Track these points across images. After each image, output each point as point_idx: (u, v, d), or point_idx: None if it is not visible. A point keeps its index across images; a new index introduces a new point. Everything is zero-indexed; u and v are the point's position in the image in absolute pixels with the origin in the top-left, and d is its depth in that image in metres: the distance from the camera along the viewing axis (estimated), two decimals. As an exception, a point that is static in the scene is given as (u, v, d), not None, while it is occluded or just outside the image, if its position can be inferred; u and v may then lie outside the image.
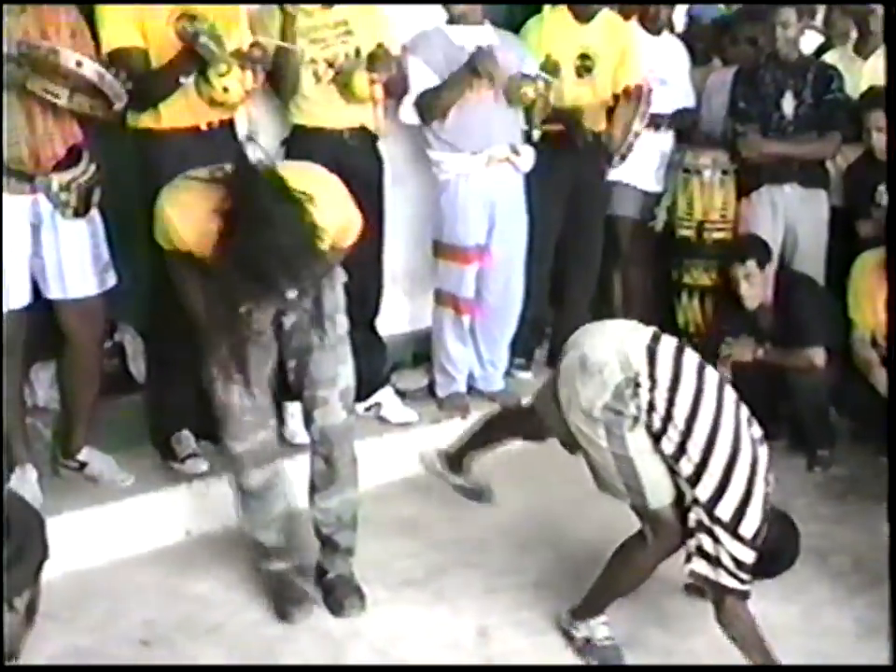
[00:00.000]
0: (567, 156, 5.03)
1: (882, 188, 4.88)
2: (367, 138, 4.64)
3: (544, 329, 5.53)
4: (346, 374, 3.61)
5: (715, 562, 3.22)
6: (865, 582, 3.84)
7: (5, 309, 3.79)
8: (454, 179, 4.77)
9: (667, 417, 3.21)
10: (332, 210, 3.32)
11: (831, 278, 5.19)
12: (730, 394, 3.35)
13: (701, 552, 3.24)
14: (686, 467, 3.23)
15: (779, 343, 4.81)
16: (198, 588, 3.86)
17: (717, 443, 3.21)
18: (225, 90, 4.01)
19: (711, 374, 3.35)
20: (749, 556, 3.21)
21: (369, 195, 4.68)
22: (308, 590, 3.77)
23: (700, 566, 3.25)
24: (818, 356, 4.73)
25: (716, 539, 3.20)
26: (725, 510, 3.19)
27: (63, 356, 4.10)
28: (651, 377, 3.22)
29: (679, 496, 3.32)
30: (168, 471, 4.28)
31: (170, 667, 3.40)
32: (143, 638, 3.56)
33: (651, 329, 3.41)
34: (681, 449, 3.22)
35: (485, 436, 3.93)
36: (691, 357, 3.35)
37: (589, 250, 5.40)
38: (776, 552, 3.34)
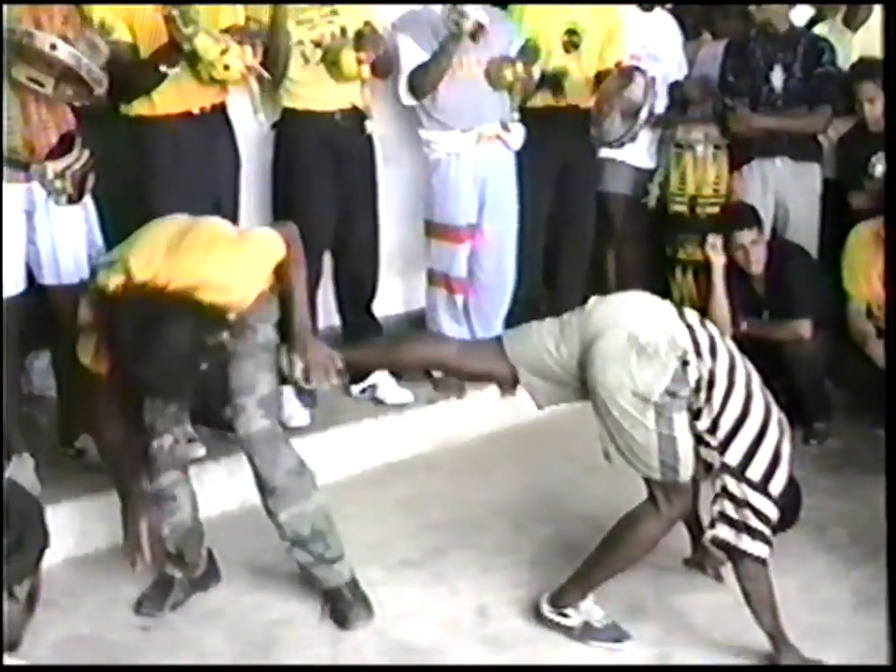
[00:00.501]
0: (555, 134, 5.02)
1: (874, 159, 4.87)
2: (357, 119, 4.64)
3: (539, 308, 5.52)
4: (266, 381, 3.43)
5: (739, 526, 3.27)
6: (863, 555, 3.86)
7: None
8: (444, 158, 4.77)
9: (709, 394, 3.23)
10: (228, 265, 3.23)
11: (823, 251, 5.19)
12: (748, 361, 3.40)
13: (724, 517, 3.29)
14: (718, 435, 3.27)
15: (773, 314, 4.84)
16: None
17: (750, 412, 3.27)
18: (226, 67, 4.00)
19: (731, 343, 3.39)
20: (774, 513, 3.28)
21: (361, 176, 4.70)
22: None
23: (723, 531, 3.29)
24: (803, 328, 4.74)
25: (739, 503, 3.25)
26: (756, 471, 3.26)
27: (59, 343, 4.10)
28: (697, 353, 3.23)
29: None
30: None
31: (170, 667, 3.41)
32: (143, 624, 3.57)
33: (668, 302, 3.44)
34: (715, 422, 3.26)
35: (413, 358, 3.73)
36: (713, 328, 3.39)
37: (580, 228, 5.40)
38: (785, 508, 3.39)
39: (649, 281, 5.59)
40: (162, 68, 3.99)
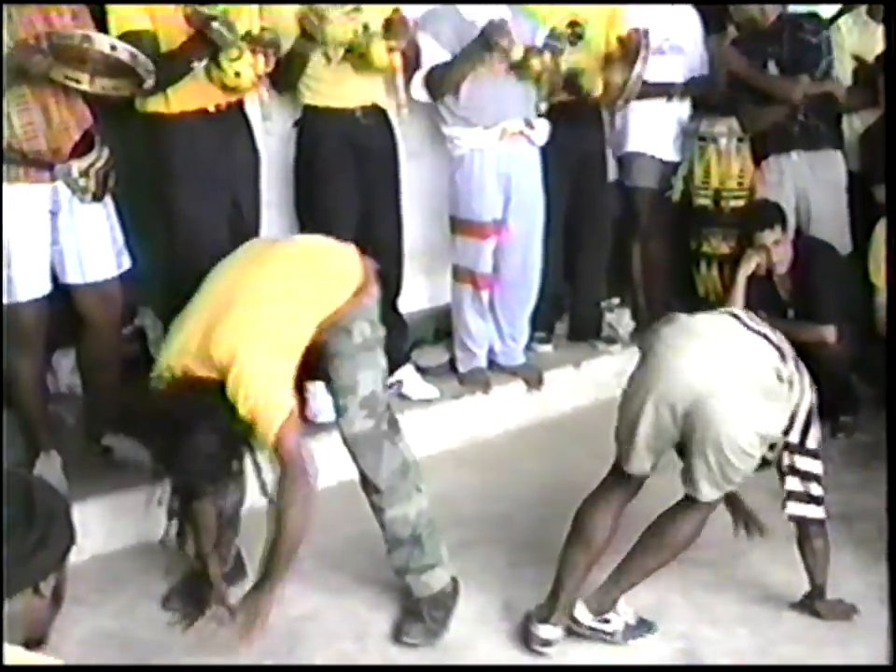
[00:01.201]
0: (569, 129, 5.00)
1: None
2: (379, 116, 4.64)
3: (563, 303, 5.52)
4: (368, 381, 3.37)
5: (805, 498, 3.39)
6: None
7: (25, 298, 3.82)
8: (468, 154, 4.76)
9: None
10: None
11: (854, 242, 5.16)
12: None
13: (793, 495, 3.39)
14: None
15: (798, 312, 4.80)
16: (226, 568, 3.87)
17: (804, 392, 3.34)
18: (237, 74, 4.02)
19: None
20: (822, 469, 3.42)
21: (384, 173, 4.70)
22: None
23: (797, 508, 3.41)
24: (829, 333, 4.70)
25: (803, 476, 3.37)
26: (813, 440, 3.37)
27: (83, 341, 4.13)
28: (783, 360, 3.28)
29: None
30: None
31: (171, 667, 3.42)
32: (169, 620, 3.58)
33: (726, 316, 3.43)
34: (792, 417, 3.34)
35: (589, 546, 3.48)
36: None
37: (599, 222, 5.39)
38: None
39: (673, 275, 5.60)
40: (194, 64, 4.02)
